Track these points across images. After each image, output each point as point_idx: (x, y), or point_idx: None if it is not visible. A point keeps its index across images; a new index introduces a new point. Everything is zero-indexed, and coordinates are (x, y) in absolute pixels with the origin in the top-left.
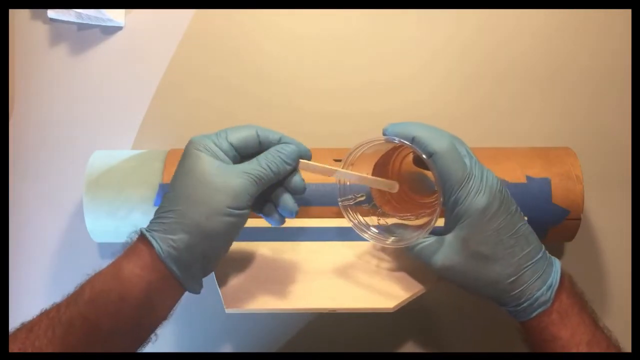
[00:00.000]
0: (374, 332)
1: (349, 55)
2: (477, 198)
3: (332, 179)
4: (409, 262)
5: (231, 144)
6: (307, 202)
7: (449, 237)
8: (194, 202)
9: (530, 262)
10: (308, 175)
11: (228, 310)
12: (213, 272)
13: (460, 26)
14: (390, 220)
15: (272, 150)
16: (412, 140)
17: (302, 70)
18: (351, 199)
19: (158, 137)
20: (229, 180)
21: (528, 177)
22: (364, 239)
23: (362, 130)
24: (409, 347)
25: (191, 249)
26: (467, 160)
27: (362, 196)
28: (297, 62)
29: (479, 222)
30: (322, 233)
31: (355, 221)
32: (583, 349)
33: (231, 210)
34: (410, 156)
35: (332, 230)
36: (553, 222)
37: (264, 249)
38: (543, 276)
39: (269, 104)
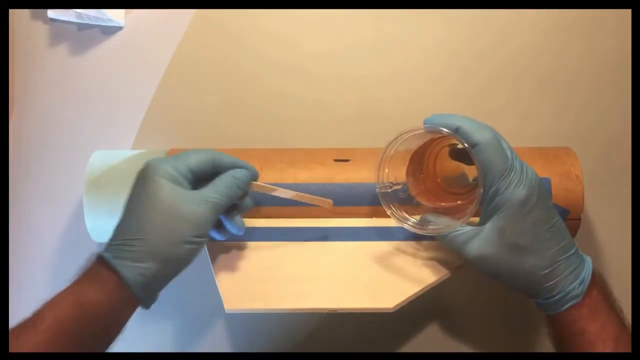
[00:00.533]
0: (374, 332)
1: (349, 55)
2: (517, 190)
3: (335, 179)
4: (409, 261)
5: (189, 169)
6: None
7: (485, 227)
8: (162, 231)
9: (564, 256)
10: (311, 175)
11: (228, 310)
12: (213, 273)
13: (460, 26)
14: (424, 210)
15: (228, 176)
16: (456, 130)
17: (301, 71)
18: (388, 186)
19: (158, 137)
20: (193, 209)
21: None
22: (363, 240)
23: (362, 131)
24: (409, 347)
25: (158, 275)
26: (508, 153)
27: (398, 185)
28: (297, 62)
29: (518, 213)
30: (322, 233)
31: (393, 209)
32: (609, 344)
33: (195, 238)
34: (446, 149)
35: (332, 231)
36: None
37: (264, 249)
38: (576, 271)
39: (269, 104)
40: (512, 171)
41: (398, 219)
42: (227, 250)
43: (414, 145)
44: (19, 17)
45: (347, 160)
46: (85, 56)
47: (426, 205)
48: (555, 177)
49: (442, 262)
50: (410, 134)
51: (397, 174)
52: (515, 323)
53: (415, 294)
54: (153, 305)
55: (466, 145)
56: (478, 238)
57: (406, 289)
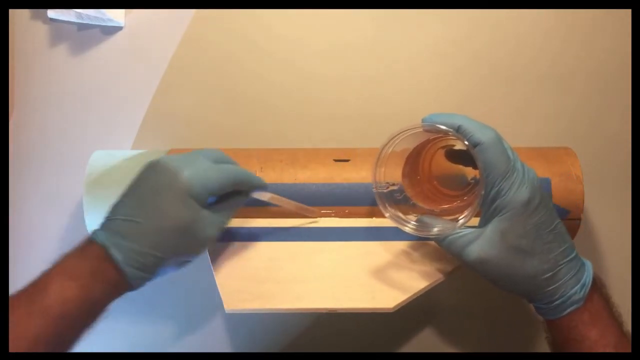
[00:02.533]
0: (374, 332)
1: (349, 55)
2: (520, 191)
3: (335, 179)
4: (408, 261)
5: (215, 192)
6: (314, 202)
7: (487, 229)
8: (178, 252)
9: (566, 260)
10: (311, 175)
11: (228, 310)
12: (213, 273)
13: (459, 26)
14: (420, 212)
15: (239, 204)
16: (458, 129)
17: (302, 71)
18: (385, 186)
19: (158, 137)
20: (207, 234)
21: None
22: (364, 240)
23: (362, 131)
24: (409, 347)
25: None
26: (510, 154)
27: (395, 185)
28: (297, 63)
29: (521, 215)
30: (322, 233)
31: (390, 211)
32: (610, 351)
33: (197, 256)
34: (441, 151)
35: (332, 231)
36: None
37: (264, 249)
38: (577, 275)
39: (268, 104)
40: (514, 172)
41: (396, 220)
42: (227, 250)
43: (411, 145)
44: (19, 17)
45: (347, 160)
46: (85, 56)
47: (422, 207)
48: (555, 177)
49: (443, 262)
50: (409, 133)
51: (393, 174)
52: (516, 322)
53: (416, 294)
54: (153, 305)
55: (468, 144)
56: (479, 241)
57: (406, 289)
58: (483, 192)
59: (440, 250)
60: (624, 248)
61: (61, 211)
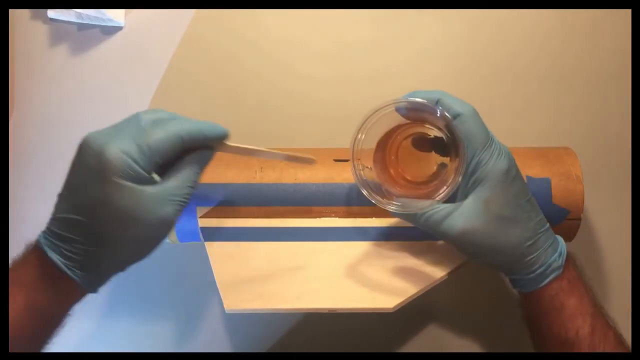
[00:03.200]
0: (374, 332)
1: (349, 56)
2: (499, 160)
3: (336, 179)
4: (408, 262)
5: (156, 160)
6: (314, 202)
7: (468, 201)
8: (128, 242)
9: (543, 229)
10: (311, 175)
11: (228, 311)
12: (214, 273)
13: (459, 26)
14: (393, 197)
15: (194, 167)
16: (437, 103)
17: (302, 71)
18: (361, 167)
19: None
20: (159, 215)
21: (528, 177)
22: (363, 239)
23: None
24: (409, 347)
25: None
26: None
27: (370, 168)
28: (297, 63)
29: (502, 184)
30: (322, 233)
31: (370, 192)
32: (588, 320)
33: (158, 243)
34: (408, 141)
35: (332, 231)
36: (553, 222)
37: (264, 249)
38: (553, 244)
39: (269, 104)
40: (492, 143)
41: (376, 200)
42: (227, 250)
43: (383, 129)
44: (19, 17)
45: (347, 160)
46: (85, 56)
47: (395, 193)
48: (555, 177)
49: (443, 262)
50: (387, 110)
51: (368, 158)
52: (517, 322)
53: (416, 294)
54: (153, 305)
55: (448, 116)
56: (461, 213)
57: (406, 290)
58: (464, 163)
59: (440, 251)
60: (624, 248)
61: None
